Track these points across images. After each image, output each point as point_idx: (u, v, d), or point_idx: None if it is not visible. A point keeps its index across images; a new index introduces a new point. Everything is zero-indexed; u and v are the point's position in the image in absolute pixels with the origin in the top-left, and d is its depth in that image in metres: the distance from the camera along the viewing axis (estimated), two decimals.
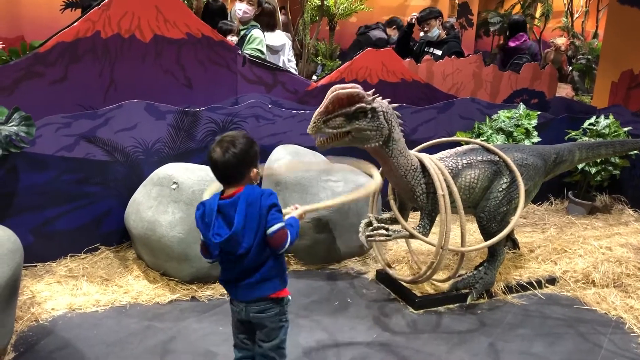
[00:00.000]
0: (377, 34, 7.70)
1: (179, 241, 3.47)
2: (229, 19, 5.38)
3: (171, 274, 3.64)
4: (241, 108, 4.28)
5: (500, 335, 3.26)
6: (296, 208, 2.42)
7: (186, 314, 3.33)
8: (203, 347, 3.00)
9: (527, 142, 4.65)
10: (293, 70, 5.40)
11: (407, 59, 5.20)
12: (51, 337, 3.04)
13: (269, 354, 2.39)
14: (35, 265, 3.71)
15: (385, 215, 3.59)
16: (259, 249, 2.23)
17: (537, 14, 12.55)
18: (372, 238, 3.39)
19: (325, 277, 3.91)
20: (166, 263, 3.60)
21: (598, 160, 4.92)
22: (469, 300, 3.58)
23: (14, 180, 3.55)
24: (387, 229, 3.37)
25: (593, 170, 5.00)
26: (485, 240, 3.56)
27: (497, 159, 3.56)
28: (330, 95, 2.95)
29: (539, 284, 3.82)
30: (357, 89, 2.95)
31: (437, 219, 3.45)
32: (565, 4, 12.17)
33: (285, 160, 4.06)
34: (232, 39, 4.90)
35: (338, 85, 2.98)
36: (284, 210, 2.35)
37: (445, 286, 3.65)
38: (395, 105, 3.22)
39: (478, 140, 3.79)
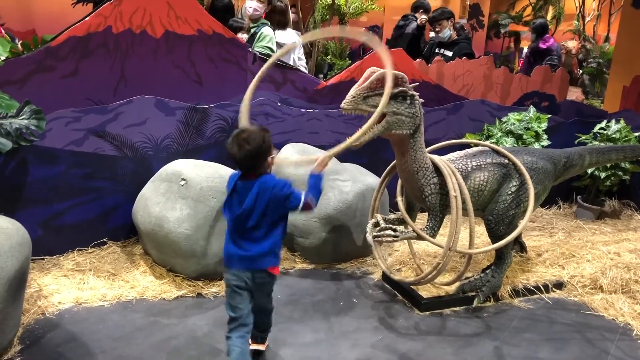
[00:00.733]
0: (413, 26, 7.70)
1: (186, 237, 3.47)
2: (239, 16, 5.39)
3: (177, 270, 3.65)
4: (250, 105, 4.27)
5: (506, 339, 3.25)
6: (316, 160, 2.73)
7: (192, 310, 3.34)
8: (208, 344, 3.00)
9: (536, 146, 4.63)
10: (303, 69, 5.40)
11: (418, 60, 5.18)
12: (57, 330, 3.06)
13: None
14: (43, 259, 3.73)
15: (393, 216, 3.58)
16: (265, 229, 2.60)
17: (549, 17, 12.50)
18: (380, 238, 3.38)
19: (331, 277, 3.90)
20: (173, 259, 3.61)
21: (608, 165, 4.89)
22: (475, 303, 3.56)
23: (24, 174, 3.56)
24: (394, 230, 3.36)
25: (602, 175, 4.97)
26: (493, 243, 3.54)
27: (506, 161, 3.54)
28: (373, 74, 2.90)
29: (546, 289, 3.80)
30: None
31: (445, 220, 3.44)
32: (577, 7, 12.11)
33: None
34: (243, 36, 4.91)
35: (375, 68, 2.95)
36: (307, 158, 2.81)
37: (451, 288, 3.64)
38: (422, 101, 3.18)
39: (487, 143, 3.77)
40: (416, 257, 3.94)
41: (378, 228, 3.40)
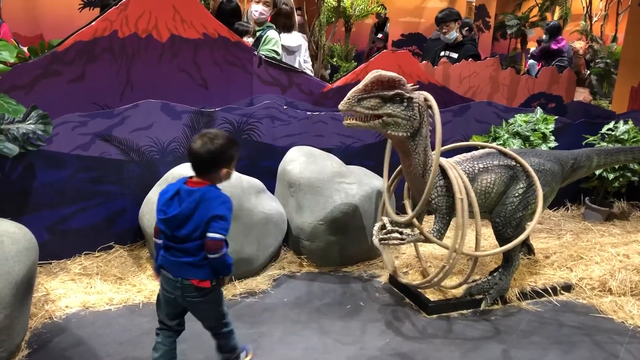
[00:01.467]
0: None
1: None
2: (245, 20, 5.39)
3: None
4: (256, 109, 4.28)
5: (514, 342, 3.23)
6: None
7: None
8: (214, 347, 2.99)
9: (544, 147, 4.60)
10: (309, 72, 5.39)
11: (424, 62, 5.17)
12: (65, 334, 3.06)
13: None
14: (50, 263, 3.74)
15: (399, 219, 3.56)
16: (196, 243, 2.41)
17: (555, 17, 12.44)
18: (386, 241, 3.37)
19: (337, 280, 3.89)
20: None
21: (616, 166, 4.85)
22: (482, 306, 3.54)
23: (30, 178, 3.58)
24: (400, 232, 3.35)
25: (611, 176, 4.93)
26: (501, 245, 3.52)
27: (513, 163, 3.52)
28: (371, 75, 2.96)
29: (554, 291, 3.78)
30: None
31: (452, 222, 3.43)
32: (584, 7, 12.05)
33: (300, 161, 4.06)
34: (248, 40, 4.91)
35: (379, 70, 3.00)
36: None
37: (459, 291, 3.62)
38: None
39: (494, 145, 3.75)
40: (422, 260, 3.92)
41: (384, 231, 3.39)
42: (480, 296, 3.57)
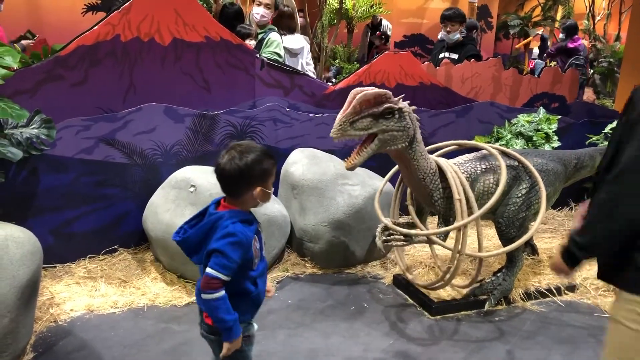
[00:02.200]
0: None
1: None
2: (247, 22, 5.41)
3: (188, 276, 3.66)
4: (259, 111, 4.29)
5: (518, 342, 3.22)
6: None
7: None
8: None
9: (547, 147, 4.59)
10: (311, 74, 5.40)
11: (426, 62, 5.17)
12: (69, 338, 3.08)
13: None
14: (55, 266, 3.75)
15: (403, 220, 3.56)
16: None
17: (558, 17, 12.42)
18: (389, 243, 3.37)
19: (341, 282, 3.90)
20: (183, 266, 3.62)
21: None
22: (486, 307, 3.54)
23: (34, 182, 3.59)
24: (404, 234, 3.35)
25: None
26: (504, 246, 3.52)
27: (516, 163, 3.52)
28: (356, 96, 2.85)
29: (558, 291, 3.77)
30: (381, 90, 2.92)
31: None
32: (586, 6, 12.02)
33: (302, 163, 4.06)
34: (250, 42, 4.93)
35: (359, 89, 2.90)
36: None
37: (462, 292, 3.61)
38: (414, 107, 3.17)
39: (495, 146, 3.74)
40: (437, 258, 3.90)
41: (387, 232, 3.39)
42: (484, 297, 3.57)
